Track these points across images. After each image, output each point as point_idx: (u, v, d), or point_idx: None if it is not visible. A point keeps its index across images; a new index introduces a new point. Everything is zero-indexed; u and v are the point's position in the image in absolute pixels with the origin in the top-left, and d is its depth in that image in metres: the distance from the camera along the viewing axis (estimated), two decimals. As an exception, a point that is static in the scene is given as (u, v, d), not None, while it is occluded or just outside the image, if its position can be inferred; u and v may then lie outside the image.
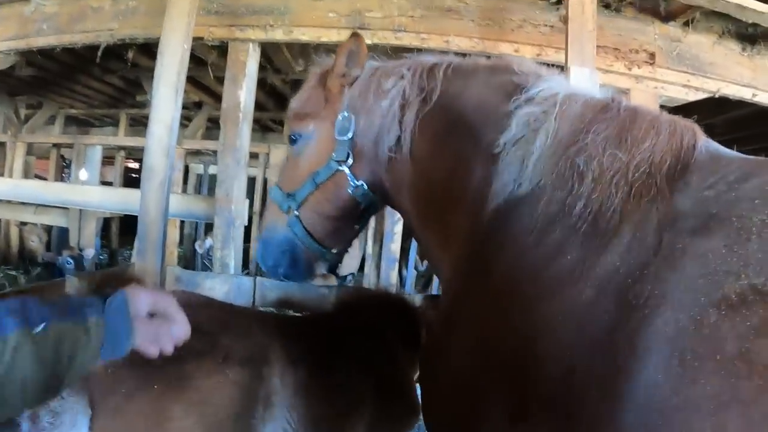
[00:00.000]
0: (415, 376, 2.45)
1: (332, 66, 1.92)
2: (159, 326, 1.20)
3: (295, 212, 1.96)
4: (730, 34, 4.06)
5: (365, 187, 1.88)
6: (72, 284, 2.36)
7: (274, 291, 2.80)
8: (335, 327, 2.24)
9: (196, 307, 1.76)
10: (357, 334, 2.23)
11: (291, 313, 2.83)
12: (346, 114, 1.85)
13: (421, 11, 3.80)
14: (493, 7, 3.78)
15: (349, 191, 1.89)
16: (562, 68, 2.89)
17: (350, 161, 1.86)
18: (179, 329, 1.23)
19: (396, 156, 1.78)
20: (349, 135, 1.83)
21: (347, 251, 2.16)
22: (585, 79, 2.79)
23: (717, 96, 4.06)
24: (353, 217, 2.01)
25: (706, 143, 1.26)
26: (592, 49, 2.90)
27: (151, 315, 1.21)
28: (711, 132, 1.32)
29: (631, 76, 3.87)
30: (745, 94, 4.10)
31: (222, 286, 2.85)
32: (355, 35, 1.87)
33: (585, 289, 1.11)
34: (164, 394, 1.56)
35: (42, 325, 1.01)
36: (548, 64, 1.75)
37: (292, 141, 2.02)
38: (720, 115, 5.73)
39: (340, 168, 1.86)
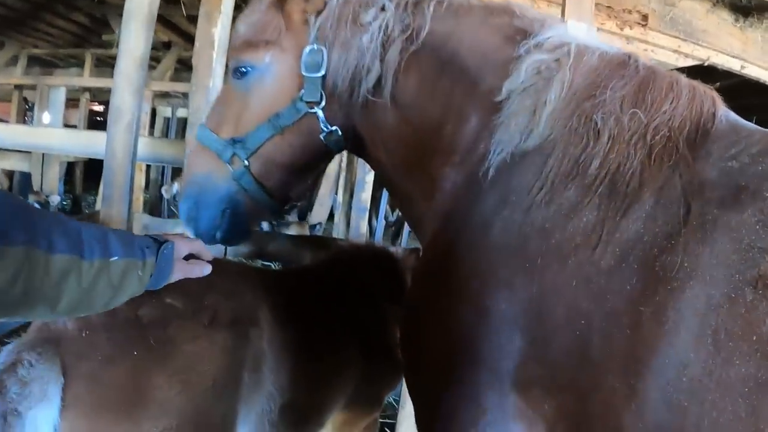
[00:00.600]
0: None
1: None
2: (192, 268, 1.46)
3: (245, 162, 1.65)
4: (723, 3, 4.00)
5: (339, 132, 1.65)
6: None
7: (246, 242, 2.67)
8: (323, 283, 2.14)
9: None
10: (345, 290, 2.15)
11: (273, 266, 2.73)
12: (315, 47, 1.57)
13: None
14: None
15: (321, 137, 1.65)
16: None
17: (323, 103, 1.60)
18: (206, 269, 1.50)
19: (375, 99, 1.55)
20: (321, 72, 1.57)
21: (303, 202, 2.06)
22: (583, 35, 2.67)
23: (706, 64, 4.02)
24: (316, 166, 1.83)
25: (725, 112, 1.21)
26: (590, 3, 2.77)
27: (188, 258, 1.47)
28: None
29: (622, 36, 3.78)
30: (734, 65, 4.08)
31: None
32: None
33: (604, 254, 1.06)
34: (145, 360, 1.43)
35: (116, 258, 1.20)
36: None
37: (240, 74, 1.67)
38: (707, 84, 5.72)
39: (312, 110, 1.60)
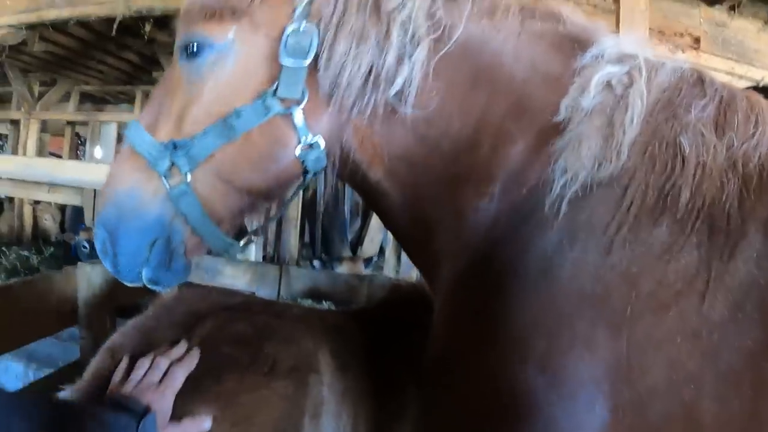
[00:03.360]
0: None
1: None
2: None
3: (187, 176, 1.19)
4: (774, 21, 3.92)
5: (320, 146, 1.21)
6: (83, 274, 2.22)
7: (300, 280, 2.65)
8: (382, 325, 2.07)
9: (235, 310, 1.63)
10: (404, 332, 2.06)
11: (326, 306, 2.70)
12: (303, 26, 1.15)
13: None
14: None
15: (295, 151, 1.20)
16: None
17: (304, 102, 1.16)
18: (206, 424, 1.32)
19: (390, 112, 1.19)
20: (308, 60, 1.15)
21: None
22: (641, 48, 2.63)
23: (761, 85, 3.92)
24: (281, 192, 1.34)
25: None
26: (644, 31, 2.72)
27: None
28: None
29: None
30: None
31: (245, 274, 2.71)
32: None
33: (714, 303, 0.89)
34: (205, 413, 1.37)
35: None
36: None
37: (190, 53, 1.19)
38: None
39: (286, 111, 1.16)
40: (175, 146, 1.18)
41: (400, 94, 1.16)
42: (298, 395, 1.54)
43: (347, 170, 1.29)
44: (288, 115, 1.16)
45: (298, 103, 1.15)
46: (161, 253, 1.26)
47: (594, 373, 0.94)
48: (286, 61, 1.15)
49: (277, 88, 1.15)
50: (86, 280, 2.16)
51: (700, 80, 1.10)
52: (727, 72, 3.81)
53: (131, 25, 4.89)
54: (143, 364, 1.34)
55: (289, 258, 5.80)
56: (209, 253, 1.44)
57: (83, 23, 4.82)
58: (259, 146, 1.19)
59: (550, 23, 1.19)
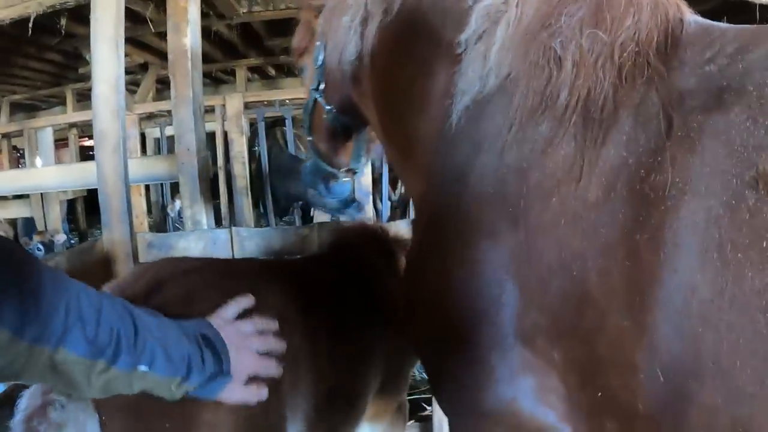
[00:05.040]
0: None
1: (304, 2, 2.00)
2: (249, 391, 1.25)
3: (309, 138, 2.11)
4: None
5: (334, 111, 1.88)
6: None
7: (252, 239, 2.66)
8: (334, 268, 2.11)
9: (194, 272, 1.54)
10: (354, 272, 2.12)
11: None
12: (318, 42, 1.83)
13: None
14: None
15: (324, 116, 1.93)
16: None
17: (321, 87, 1.87)
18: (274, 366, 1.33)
19: (358, 70, 1.68)
20: (320, 62, 1.83)
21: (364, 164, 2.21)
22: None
23: None
24: (340, 137, 2.03)
25: (693, 16, 1.13)
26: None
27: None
28: None
29: None
30: None
31: (197, 243, 2.69)
32: None
33: (589, 187, 1.00)
34: None
35: (144, 368, 1.01)
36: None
37: (299, 73, 2.16)
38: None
39: (317, 96, 1.90)
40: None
41: (359, 58, 1.65)
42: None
43: (356, 118, 1.90)
44: (317, 98, 1.91)
45: (318, 89, 1.88)
46: (320, 181, 2.17)
47: (501, 260, 1.11)
48: (314, 67, 1.87)
49: (312, 84, 1.92)
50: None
51: None
52: None
53: (47, 23, 4.72)
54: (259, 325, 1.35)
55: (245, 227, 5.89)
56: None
57: (0, 32, 4.63)
58: (316, 117, 2.01)
59: None
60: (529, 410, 1.11)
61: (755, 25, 1.04)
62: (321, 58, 1.81)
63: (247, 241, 2.65)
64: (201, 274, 1.56)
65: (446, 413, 1.39)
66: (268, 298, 1.57)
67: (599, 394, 0.99)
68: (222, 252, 2.66)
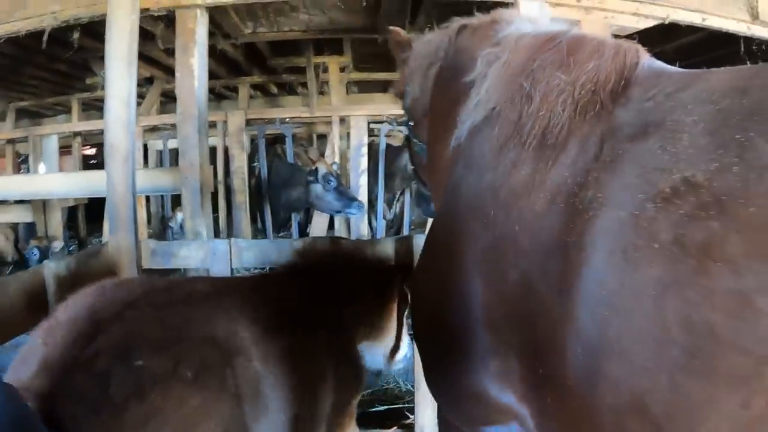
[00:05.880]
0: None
1: (396, 56, 2.35)
2: None
3: (412, 167, 2.50)
4: (675, -40, 4.12)
5: (420, 144, 2.26)
6: (50, 270, 2.30)
7: (249, 250, 2.83)
8: (295, 280, 2.10)
9: (138, 307, 1.47)
10: (315, 283, 2.09)
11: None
12: (407, 87, 2.20)
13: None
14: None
15: (415, 149, 2.34)
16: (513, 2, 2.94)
17: (410, 123, 2.31)
18: None
19: (423, 106, 2.08)
20: (408, 103, 2.23)
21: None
22: (535, 11, 2.82)
23: (667, 22, 4.14)
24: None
25: (649, 61, 1.33)
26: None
27: None
28: (663, 59, 1.38)
29: (581, 7, 3.96)
30: (694, 18, 4.19)
31: (197, 252, 2.86)
32: (391, 31, 2.31)
33: (537, 200, 1.22)
34: None
35: None
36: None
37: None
38: (671, 42, 5.86)
39: (408, 132, 2.35)
40: None
41: (422, 95, 2.08)
42: (231, 387, 1.44)
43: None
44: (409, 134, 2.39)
45: (407, 126, 2.36)
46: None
47: (476, 259, 1.38)
48: (406, 108, 2.30)
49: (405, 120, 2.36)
50: (52, 274, 2.27)
51: (553, 38, 1.47)
52: (633, 13, 4.04)
53: (59, 36, 4.86)
54: None
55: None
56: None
57: (12, 39, 4.79)
58: (414, 150, 2.39)
59: (489, 25, 1.79)
60: (496, 392, 1.35)
61: (704, 69, 1.22)
62: (407, 100, 2.21)
63: (245, 251, 2.81)
64: (140, 310, 1.47)
65: (435, 396, 1.71)
66: (223, 325, 1.55)
67: (541, 371, 1.19)
68: (221, 261, 2.81)
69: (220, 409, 1.39)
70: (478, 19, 1.93)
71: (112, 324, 1.34)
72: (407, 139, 2.46)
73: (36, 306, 2.17)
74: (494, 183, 1.37)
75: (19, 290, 2.14)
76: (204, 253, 2.85)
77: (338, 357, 2.00)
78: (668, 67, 1.34)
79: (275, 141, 9.26)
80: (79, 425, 1.17)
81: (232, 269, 2.86)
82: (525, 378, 1.26)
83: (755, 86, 0.99)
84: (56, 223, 8.35)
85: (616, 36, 4.22)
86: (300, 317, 1.89)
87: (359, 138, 7.09)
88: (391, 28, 2.32)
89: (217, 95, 11.37)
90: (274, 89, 11.05)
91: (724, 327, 0.83)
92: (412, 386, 3.30)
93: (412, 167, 2.52)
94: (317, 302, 2.03)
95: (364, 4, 4.74)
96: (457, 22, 1.99)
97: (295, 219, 7.60)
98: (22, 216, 8.65)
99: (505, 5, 3.16)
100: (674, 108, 1.08)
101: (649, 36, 5.00)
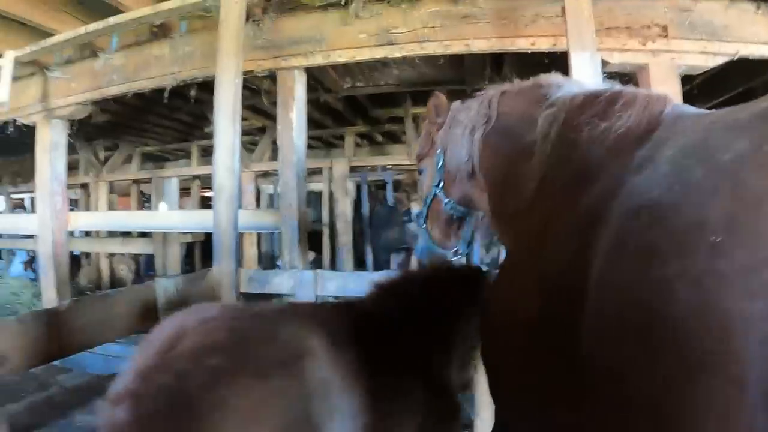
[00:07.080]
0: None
1: (428, 118, 2.53)
2: None
3: (423, 225, 2.58)
4: (741, -5, 4.07)
5: (452, 203, 2.40)
6: (161, 286, 2.75)
7: (332, 280, 3.23)
8: (378, 317, 2.07)
9: (211, 320, 1.61)
10: (404, 321, 2.06)
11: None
12: (438, 150, 2.39)
13: (441, 20, 4.20)
14: (506, 7, 4.11)
15: (443, 207, 2.44)
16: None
17: (441, 184, 2.41)
18: None
19: (470, 167, 2.22)
20: (440, 165, 2.38)
21: (472, 247, 2.61)
22: (586, 62, 3.09)
23: (736, 58, 4.07)
24: (453, 224, 2.52)
25: (675, 107, 1.54)
26: (590, 35, 3.18)
27: None
28: (752, 96, 1.59)
29: (647, 51, 4.02)
30: (765, 52, 4.08)
31: (287, 280, 3.31)
32: (434, 95, 2.48)
33: (568, 221, 1.42)
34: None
35: None
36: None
37: (419, 173, 2.64)
38: (758, 77, 5.69)
39: (437, 191, 2.43)
40: (418, 214, 2.71)
41: (469, 160, 2.19)
42: (297, 383, 1.53)
43: (473, 206, 2.38)
44: (438, 192, 2.44)
45: (438, 186, 2.42)
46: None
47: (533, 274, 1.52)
48: (436, 169, 2.41)
49: (434, 182, 2.44)
50: (163, 289, 2.74)
51: (597, 95, 1.70)
52: (701, 52, 4.06)
53: (179, 91, 5.55)
54: None
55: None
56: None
57: (138, 94, 5.54)
58: (435, 208, 2.50)
59: (536, 90, 1.98)
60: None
61: (709, 111, 1.46)
62: (441, 161, 2.37)
63: (327, 281, 3.22)
64: (219, 321, 1.62)
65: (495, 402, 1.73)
66: (288, 334, 1.64)
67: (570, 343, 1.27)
68: (307, 289, 3.23)
69: (286, 402, 1.48)
70: (516, 85, 2.13)
71: (192, 333, 1.51)
72: (430, 199, 2.50)
73: (146, 314, 2.64)
74: (550, 214, 1.55)
75: (134, 299, 2.63)
76: (294, 281, 3.29)
77: (433, 391, 1.99)
78: (691, 110, 1.53)
79: (379, 187, 9.70)
80: (159, 414, 1.34)
81: (316, 296, 3.27)
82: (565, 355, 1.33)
83: (713, 127, 1.23)
84: (174, 257, 9.14)
85: (688, 76, 4.34)
86: (380, 343, 1.92)
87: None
88: (435, 92, 2.50)
89: (326, 143, 11.92)
90: (379, 138, 11.35)
91: None
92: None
93: (425, 224, 2.58)
94: (392, 332, 2.02)
95: (441, 61, 5.07)
96: (493, 88, 2.18)
97: (395, 260, 7.95)
98: (144, 248, 9.58)
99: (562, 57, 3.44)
100: (665, 145, 1.31)
101: (734, 73, 5.01)
